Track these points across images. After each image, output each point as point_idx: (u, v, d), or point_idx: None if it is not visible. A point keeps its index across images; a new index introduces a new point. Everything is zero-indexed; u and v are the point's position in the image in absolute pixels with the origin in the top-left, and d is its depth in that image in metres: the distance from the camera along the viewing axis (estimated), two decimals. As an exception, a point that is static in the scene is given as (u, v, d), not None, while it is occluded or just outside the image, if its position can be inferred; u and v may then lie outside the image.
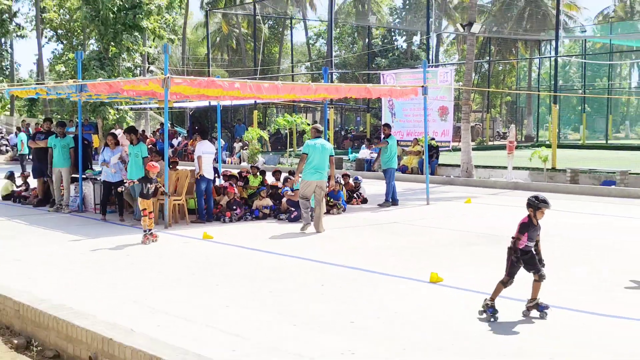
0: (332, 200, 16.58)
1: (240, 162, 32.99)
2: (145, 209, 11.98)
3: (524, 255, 7.70)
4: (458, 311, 7.99)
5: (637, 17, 68.26)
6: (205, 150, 15.33)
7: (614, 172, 22.55)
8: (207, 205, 15.48)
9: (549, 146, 26.46)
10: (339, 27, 64.51)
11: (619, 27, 58.35)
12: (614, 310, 7.99)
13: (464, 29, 27.69)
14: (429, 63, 37.56)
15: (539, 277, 7.71)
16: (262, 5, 47.06)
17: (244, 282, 9.46)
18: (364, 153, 30.46)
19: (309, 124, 31.78)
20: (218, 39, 63.27)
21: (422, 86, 19.28)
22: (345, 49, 68.52)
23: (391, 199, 18.07)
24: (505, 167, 25.01)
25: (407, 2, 66.12)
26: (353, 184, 18.88)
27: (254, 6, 43.74)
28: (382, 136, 18.01)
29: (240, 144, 35.43)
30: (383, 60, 59.55)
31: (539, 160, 24.00)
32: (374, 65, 52.87)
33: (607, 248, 12.11)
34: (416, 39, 63.84)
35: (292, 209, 15.64)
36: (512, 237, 7.83)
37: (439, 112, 33.10)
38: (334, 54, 48.68)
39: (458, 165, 26.11)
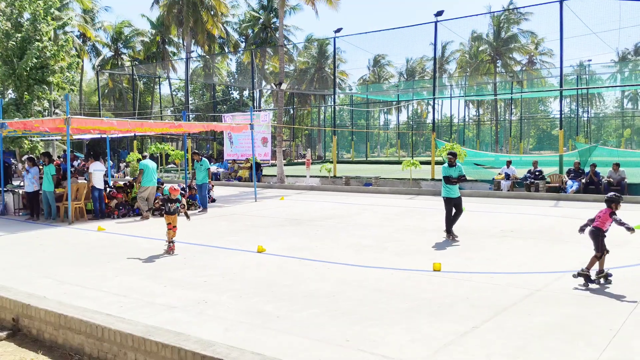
0: (190, 200, 16.22)
1: (124, 176, 31.44)
2: (170, 223, 9.53)
3: (604, 235, 7.14)
4: (272, 269, 8.12)
5: (381, 81, 72.37)
6: (96, 168, 14.68)
7: (371, 177, 23.79)
8: (100, 207, 14.69)
9: (332, 162, 27.44)
10: (193, 84, 63.12)
11: (371, 87, 61.55)
12: (364, 262, 8.49)
13: (276, 87, 28.10)
14: (254, 108, 37.66)
15: (601, 255, 7.05)
16: (137, 68, 45.54)
17: (129, 259, 9.04)
18: (213, 168, 30.13)
19: (173, 150, 30.80)
20: (106, 90, 59.61)
21: (250, 124, 19.35)
22: (197, 98, 67.09)
23: (201, 205, 16.06)
24: (305, 176, 25.64)
25: (239, 68, 66.02)
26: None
27: (131, 69, 42.51)
28: (196, 160, 16.27)
29: (124, 163, 33.93)
30: (224, 106, 59.05)
31: (325, 171, 24.87)
32: (217, 110, 52.32)
33: (367, 225, 12.77)
34: (246, 92, 63.83)
35: (164, 207, 15.13)
36: (595, 225, 7.16)
37: (262, 141, 33.29)
38: (190, 101, 47.68)
39: (275, 175, 26.42)
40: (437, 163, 23.20)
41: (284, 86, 27.87)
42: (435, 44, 23.30)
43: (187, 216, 10.23)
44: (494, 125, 63.28)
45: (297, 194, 21.51)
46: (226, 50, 56.37)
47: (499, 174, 20.57)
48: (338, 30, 26.43)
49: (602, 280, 7.02)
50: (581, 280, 7.02)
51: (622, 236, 10.57)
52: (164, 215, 9.81)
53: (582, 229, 7.41)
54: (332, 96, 32.00)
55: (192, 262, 8.67)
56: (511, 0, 59.18)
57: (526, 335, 5.14)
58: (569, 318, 5.63)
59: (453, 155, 10.95)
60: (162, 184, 16.44)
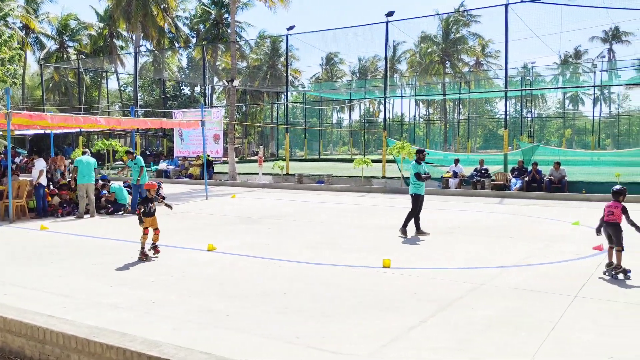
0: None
1: (69, 174, 30.34)
2: (147, 228, 8.62)
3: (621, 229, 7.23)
4: (223, 268, 8.05)
5: (334, 79, 72.72)
6: (41, 166, 14.03)
7: (323, 175, 23.90)
8: (43, 205, 14.11)
9: (284, 159, 27.41)
10: (142, 79, 61.60)
11: (324, 86, 61.77)
12: (316, 259, 8.53)
13: (228, 83, 27.80)
14: (205, 105, 37.13)
15: (622, 249, 7.17)
16: (83, 62, 44.11)
17: (74, 258, 8.75)
18: (162, 165, 29.58)
19: (121, 146, 30.03)
20: (51, 84, 57.37)
21: (201, 120, 19.06)
22: (147, 94, 65.54)
23: (131, 208, 14.73)
24: (257, 174, 25.48)
25: (190, 64, 64.92)
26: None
27: (77, 63, 41.21)
28: (130, 159, 15.07)
29: (69, 160, 32.66)
30: (174, 102, 57.90)
31: (278, 168, 24.79)
32: (168, 106, 51.31)
33: (319, 222, 12.84)
34: (197, 89, 62.84)
35: (110, 206, 14.73)
36: (613, 220, 7.19)
37: (214, 138, 32.86)
38: (139, 97, 46.57)
39: (227, 173, 26.16)
40: (389, 161, 23.54)
41: (236, 83, 27.61)
42: (386, 44, 23.61)
43: (169, 206, 9.58)
44: (443, 125, 64.75)
45: (249, 191, 21.37)
46: (176, 45, 55.31)
47: (448, 172, 21.07)
48: (291, 28, 26.39)
49: (620, 275, 7.16)
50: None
51: (560, 231, 11.04)
52: (143, 218, 8.68)
53: (598, 230, 7.52)
54: (285, 94, 31.93)
55: (139, 261, 8.47)
56: (461, 3, 60.64)
57: (470, 329, 5.29)
58: (511, 311, 5.83)
59: (422, 152, 11.15)
60: (109, 181, 16.00)
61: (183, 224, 12.52)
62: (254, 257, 8.71)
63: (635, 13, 18.45)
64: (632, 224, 7.16)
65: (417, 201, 10.78)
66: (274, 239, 10.34)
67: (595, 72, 49.37)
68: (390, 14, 22.70)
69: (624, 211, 7.21)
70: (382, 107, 71.95)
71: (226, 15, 54.32)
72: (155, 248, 8.81)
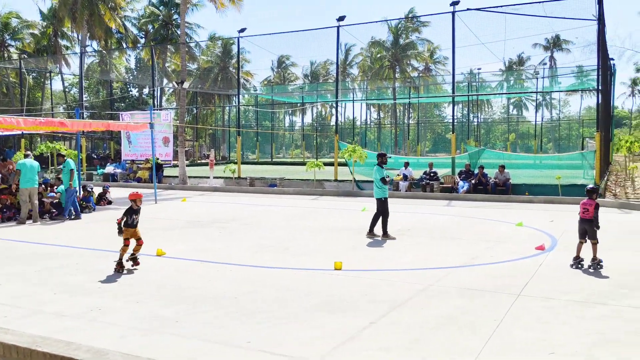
0: (84, 202, 15.39)
1: (11, 177, 29.07)
2: (127, 238, 8.01)
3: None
4: (172, 273, 7.91)
5: (286, 82, 72.67)
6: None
7: (276, 178, 23.84)
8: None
9: (236, 163, 27.13)
10: (88, 80, 59.76)
11: (276, 89, 61.63)
12: (268, 263, 8.50)
13: (178, 85, 27.34)
14: (154, 107, 36.38)
15: (597, 242, 7.93)
16: (26, 62, 42.36)
17: (15, 266, 8.38)
18: (109, 169, 28.74)
19: (66, 149, 29.02)
20: (-11, 84, 54.94)
21: (150, 123, 18.68)
22: (93, 95, 63.59)
23: (68, 214, 14.09)
24: (208, 177, 25.16)
25: (138, 65, 63.48)
26: (103, 191, 17.69)
27: (19, 62, 39.53)
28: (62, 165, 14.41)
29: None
30: (122, 104, 56.46)
31: (230, 172, 24.57)
32: (115, 108, 49.95)
33: (272, 226, 12.78)
34: (145, 90, 61.51)
35: (54, 210, 14.22)
36: (588, 217, 7.90)
37: (163, 140, 32.22)
38: (84, 98, 45.13)
39: (177, 176, 25.69)
40: (341, 164, 23.70)
41: (186, 85, 27.19)
42: (337, 48, 23.79)
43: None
44: (393, 129, 65.76)
45: (200, 195, 21.06)
46: (124, 45, 53.96)
47: (398, 175, 21.40)
48: (242, 30, 26.22)
49: (597, 267, 7.83)
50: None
51: (505, 232, 11.41)
52: (124, 229, 8.07)
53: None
54: (237, 96, 31.67)
55: (84, 267, 8.22)
56: (410, 9, 61.86)
57: (420, 328, 5.40)
58: (458, 310, 5.99)
59: (383, 156, 11.26)
60: (53, 185, 15.44)
61: (131, 229, 12.21)
62: (204, 261, 8.60)
63: (574, 22, 19.31)
64: (595, 218, 7.93)
65: (386, 204, 10.90)
66: (224, 243, 10.23)
67: (537, 78, 51.32)
68: (341, 18, 22.90)
69: (596, 208, 7.96)
70: (334, 110, 72.45)
71: (176, 16, 53.42)
72: (135, 260, 8.15)
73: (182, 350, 4.84)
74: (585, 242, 8.02)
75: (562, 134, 71.75)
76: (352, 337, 5.17)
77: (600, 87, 21.39)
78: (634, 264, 8.20)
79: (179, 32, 51.42)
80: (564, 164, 23.17)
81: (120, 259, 7.99)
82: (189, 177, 25.86)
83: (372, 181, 21.60)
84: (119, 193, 20.52)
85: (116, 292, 6.83)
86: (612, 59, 35.78)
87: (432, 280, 7.32)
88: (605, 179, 22.76)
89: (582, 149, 38.61)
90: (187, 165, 27.74)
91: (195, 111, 60.31)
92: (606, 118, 26.32)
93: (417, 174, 21.48)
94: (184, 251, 9.42)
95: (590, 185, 8.29)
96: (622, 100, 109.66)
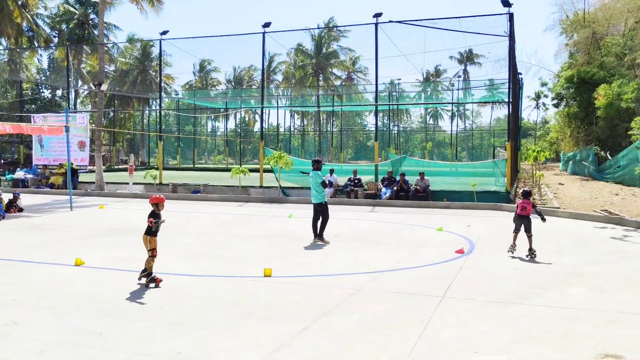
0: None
1: None
2: (154, 249, 7.36)
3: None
4: (93, 283, 7.54)
5: (208, 87, 71.49)
6: None
7: (199, 184, 23.35)
8: None
9: (157, 168, 26.29)
10: (-6, 79, 55.86)
11: (199, 93, 60.45)
12: (195, 271, 8.30)
13: (95, 87, 26.18)
14: (70, 110, 34.60)
15: (532, 234, 9.24)
16: None
17: None
18: (20, 174, 26.94)
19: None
20: None
21: (65, 126, 17.74)
22: (0, 96, 59.54)
23: None
24: (127, 183, 24.21)
25: (51, 65, 60.11)
26: (13, 197, 16.55)
27: None
28: None
29: None
30: (33, 106, 53.21)
31: (150, 177, 23.80)
32: (25, 109, 46.97)
33: (198, 233, 12.51)
34: (59, 92, 58.33)
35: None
36: (525, 214, 9.31)
37: (79, 144, 30.64)
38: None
39: (93, 182, 24.54)
40: (266, 171, 23.60)
41: (104, 87, 26.08)
42: (263, 54, 23.73)
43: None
44: (317, 136, 66.39)
45: (119, 202, 20.23)
46: (36, 44, 50.94)
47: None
48: (164, 33, 25.55)
49: (532, 256, 9.14)
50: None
51: (427, 236, 11.82)
52: (149, 237, 7.35)
53: (515, 220, 9.54)
54: (158, 100, 30.75)
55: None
56: (330, 18, 62.88)
57: (350, 333, 5.47)
58: (386, 313, 6.13)
59: (319, 162, 11.87)
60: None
61: (46, 238, 11.51)
62: (126, 270, 8.26)
63: (488, 38, 20.43)
64: (539, 213, 9.54)
65: (327, 208, 11.21)
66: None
67: (452, 90, 53.75)
68: (267, 24, 22.88)
69: (534, 206, 9.45)
70: (257, 116, 72.13)
71: (93, 16, 51.18)
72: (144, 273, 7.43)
73: (108, 364, 4.63)
74: (519, 233, 9.36)
75: (474, 143, 75.40)
76: (284, 344, 5.15)
77: (510, 100, 22.72)
78: (545, 265, 8.76)
79: (96, 32, 49.38)
80: (478, 172, 24.31)
81: (151, 271, 7.34)
82: (107, 183, 24.78)
83: (298, 187, 21.77)
84: (30, 200, 19.33)
85: (33, 304, 6.42)
86: (520, 73, 38.20)
87: (361, 284, 7.44)
88: (515, 185, 24.15)
89: (494, 158, 40.79)
90: (105, 171, 26.54)
91: (112, 114, 57.95)
92: (515, 129, 27.95)
93: (341, 180, 21.80)
94: (105, 260, 9.00)
95: (526, 189, 9.83)
96: (528, 112, 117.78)
